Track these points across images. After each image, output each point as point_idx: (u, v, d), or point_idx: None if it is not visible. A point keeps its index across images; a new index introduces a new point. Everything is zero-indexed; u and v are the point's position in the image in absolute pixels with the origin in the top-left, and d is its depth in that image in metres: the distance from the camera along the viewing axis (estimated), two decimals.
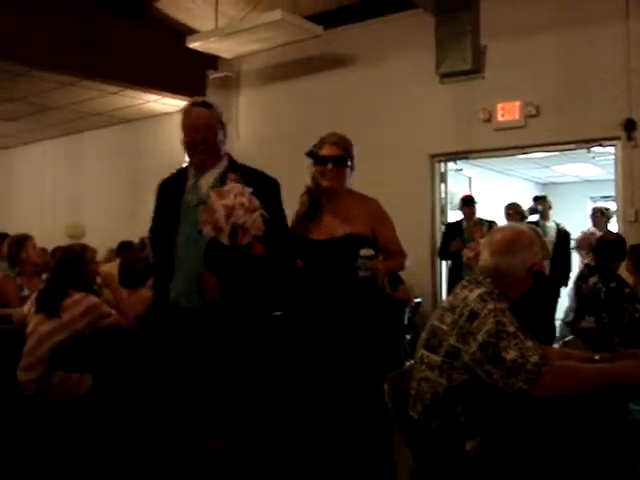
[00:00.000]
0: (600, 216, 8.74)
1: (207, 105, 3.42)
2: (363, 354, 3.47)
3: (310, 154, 3.63)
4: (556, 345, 4.12)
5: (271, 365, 3.44)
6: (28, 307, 4.40)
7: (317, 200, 3.63)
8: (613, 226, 8.48)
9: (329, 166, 3.54)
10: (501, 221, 7.79)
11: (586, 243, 7.85)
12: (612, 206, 8.00)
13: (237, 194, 3.03)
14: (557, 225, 8.81)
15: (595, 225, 8.65)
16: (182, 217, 3.33)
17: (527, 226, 7.24)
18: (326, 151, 3.56)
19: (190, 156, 3.41)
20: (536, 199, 9.07)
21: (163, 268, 3.34)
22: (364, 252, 3.33)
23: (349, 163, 3.60)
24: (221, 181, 3.29)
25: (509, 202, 8.13)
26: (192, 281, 3.22)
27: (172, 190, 3.44)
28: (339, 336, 3.47)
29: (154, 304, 3.51)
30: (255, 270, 3.21)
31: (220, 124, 3.42)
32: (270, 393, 3.45)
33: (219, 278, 3.17)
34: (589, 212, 9.34)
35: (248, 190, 3.07)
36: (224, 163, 3.42)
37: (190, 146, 3.35)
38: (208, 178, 3.36)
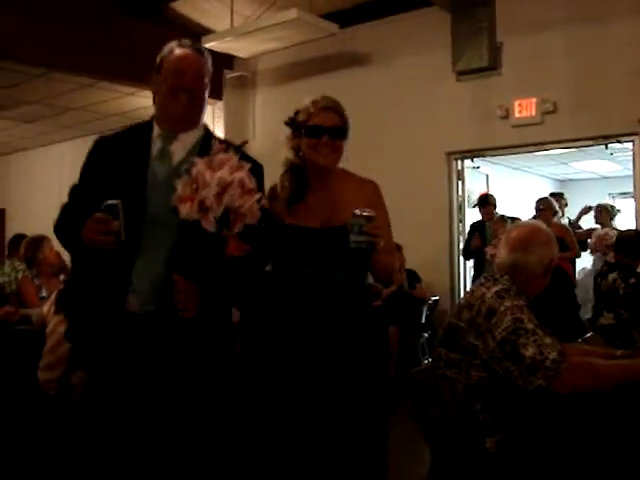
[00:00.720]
0: (605, 213, 8.72)
1: (199, 50, 2.65)
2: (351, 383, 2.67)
3: (292, 123, 2.89)
4: None
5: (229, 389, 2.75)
6: (47, 308, 4.43)
7: (303, 179, 2.85)
8: (621, 224, 8.50)
9: (324, 139, 2.78)
10: (524, 217, 7.73)
11: (601, 244, 7.81)
12: (631, 203, 7.93)
13: (234, 168, 2.31)
14: (570, 221, 8.81)
15: (599, 222, 8.63)
16: (149, 195, 2.50)
17: (558, 223, 7.28)
18: (320, 119, 2.79)
19: (164, 109, 2.61)
20: (552, 196, 9.04)
21: (121, 258, 2.44)
22: (360, 211, 2.55)
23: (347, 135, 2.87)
24: (199, 151, 2.50)
25: (540, 197, 8.01)
26: (154, 278, 2.45)
27: (129, 155, 2.56)
28: (327, 355, 2.66)
29: (96, 306, 2.51)
30: (231, 275, 2.51)
31: (209, 79, 2.65)
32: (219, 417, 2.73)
33: (195, 281, 2.39)
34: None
35: (247, 165, 2.34)
36: (200, 131, 2.65)
37: (169, 95, 2.55)
38: (181, 144, 2.58)
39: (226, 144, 2.46)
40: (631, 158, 7.21)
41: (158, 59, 2.65)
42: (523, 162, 12.21)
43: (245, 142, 2.58)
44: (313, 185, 2.84)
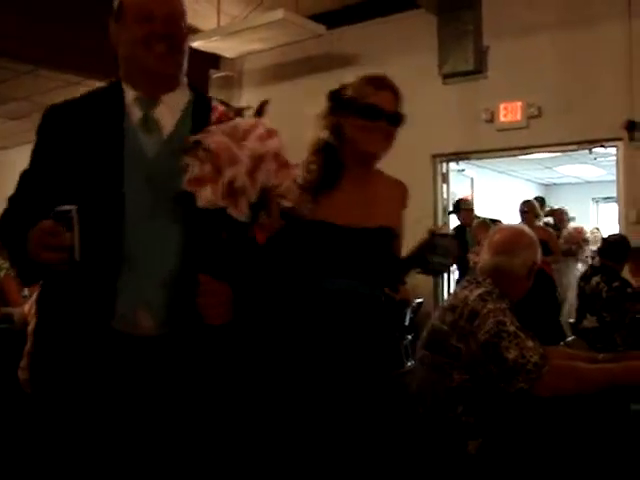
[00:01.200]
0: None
1: None
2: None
3: (334, 98, 2.42)
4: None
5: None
6: (29, 307, 4.40)
7: (337, 163, 2.35)
8: (605, 228, 8.61)
9: (381, 123, 2.32)
10: (509, 221, 7.76)
11: (578, 237, 7.87)
12: (614, 208, 7.99)
13: (263, 137, 1.79)
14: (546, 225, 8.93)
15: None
16: (129, 176, 1.87)
17: (542, 226, 7.35)
18: (378, 99, 2.32)
19: (133, 65, 1.97)
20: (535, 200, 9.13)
21: (104, 266, 1.83)
22: (443, 229, 2.19)
23: None
24: (194, 117, 1.97)
25: (525, 199, 8.07)
26: (166, 287, 1.86)
27: (96, 126, 1.91)
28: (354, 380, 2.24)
29: (78, 325, 1.85)
30: (253, 270, 1.98)
31: (185, 24, 2.02)
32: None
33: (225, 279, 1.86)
34: (592, 212, 9.42)
35: (275, 132, 1.84)
36: (187, 92, 2.05)
37: (139, 46, 1.92)
38: (167, 109, 1.97)
39: (234, 107, 1.92)
40: (614, 163, 7.25)
41: (115, 3, 2.05)
42: (508, 166, 12.26)
43: (266, 102, 1.91)
44: (349, 174, 2.36)
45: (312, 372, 2.21)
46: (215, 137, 1.74)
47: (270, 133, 1.80)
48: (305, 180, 2.24)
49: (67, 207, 1.73)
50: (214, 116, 1.84)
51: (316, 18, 7.61)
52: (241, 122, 1.80)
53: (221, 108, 1.86)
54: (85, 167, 1.87)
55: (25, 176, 2.04)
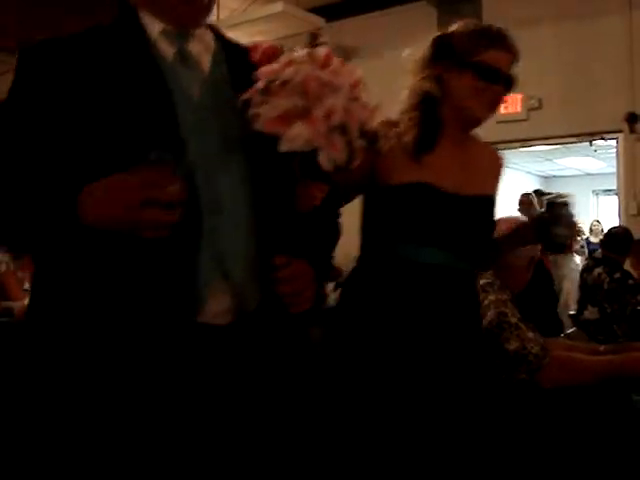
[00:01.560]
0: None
1: None
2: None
3: (440, 45, 2.06)
4: None
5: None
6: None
7: (437, 121, 2.04)
8: (615, 219, 8.56)
9: (498, 87, 2.00)
10: (509, 214, 7.74)
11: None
12: (614, 200, 7.97)
13: (342, 63, 1.48)
14: None
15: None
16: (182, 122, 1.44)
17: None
18: (495, 59, 1.98)
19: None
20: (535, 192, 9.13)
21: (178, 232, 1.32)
22: (562, 197, 1.99)
23: None
24: (227, 57, 1.59)
25: (524, 192, 8.08)
26: (244, 258, 1.48)
27: (117, 67, 1.45)
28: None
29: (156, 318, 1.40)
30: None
31: None
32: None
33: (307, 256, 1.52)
34: (592, 205, 9.34)
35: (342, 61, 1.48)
36: (208, 30, 1.62)
37: None
38: (202, 45, 1.57)
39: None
40: (615, 155, 7.24)
41: None
42: (508, 158, 12.17)
43: (315, 34, 1.57)
44: (447, 133, 2.06)
45: (411, 357, 1.94)
46: (295, 66, 1.40)
47: (341, 61, 1.48)
48: (404, 137, 1.99)
49: (160, 153, 1.26)
50: (257, 54, 1.53)
51: (315, 11, 7.61)
52: (319, 49, 1.47)
53: (266, 43, 1.57)
54: (119, 114, 1.40)
55: (7, 124, 1.50)
